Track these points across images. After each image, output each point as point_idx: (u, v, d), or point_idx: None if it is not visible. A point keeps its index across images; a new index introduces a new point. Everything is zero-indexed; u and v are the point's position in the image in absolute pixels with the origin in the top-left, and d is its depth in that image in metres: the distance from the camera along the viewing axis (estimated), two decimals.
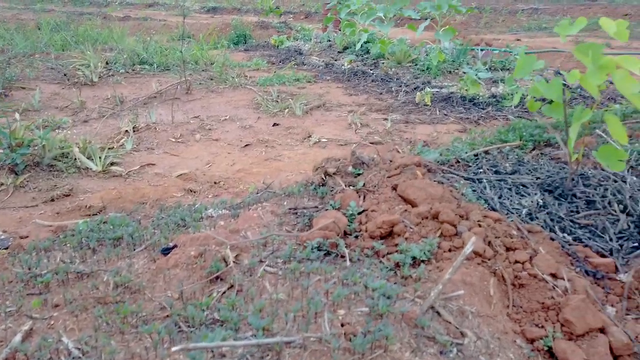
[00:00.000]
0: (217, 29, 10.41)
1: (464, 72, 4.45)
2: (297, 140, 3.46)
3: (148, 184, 2.76)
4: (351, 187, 1.90)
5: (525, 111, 4.25)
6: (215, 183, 2.75)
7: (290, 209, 1.78)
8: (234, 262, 1.45)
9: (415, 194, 1.72)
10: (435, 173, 2.11)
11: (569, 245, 1.63)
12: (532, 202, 1.88)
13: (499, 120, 4.00)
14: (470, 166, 2.44)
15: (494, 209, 1.86)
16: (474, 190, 2.07)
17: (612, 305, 1.46)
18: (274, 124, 3.77)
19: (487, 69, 5.19)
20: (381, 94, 4.90)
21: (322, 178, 2.00)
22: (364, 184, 1.88)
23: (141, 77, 5.56)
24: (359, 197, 1.84)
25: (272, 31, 10.70)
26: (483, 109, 4.27)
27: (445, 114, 4.14)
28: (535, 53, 7.47)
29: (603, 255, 1.62)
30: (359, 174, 1.99)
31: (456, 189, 1.90)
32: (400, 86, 5.01)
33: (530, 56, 2.11)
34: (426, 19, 6.48)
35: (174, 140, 3.51)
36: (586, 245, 1.64)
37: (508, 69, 5.25)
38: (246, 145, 3.38)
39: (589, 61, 1.73)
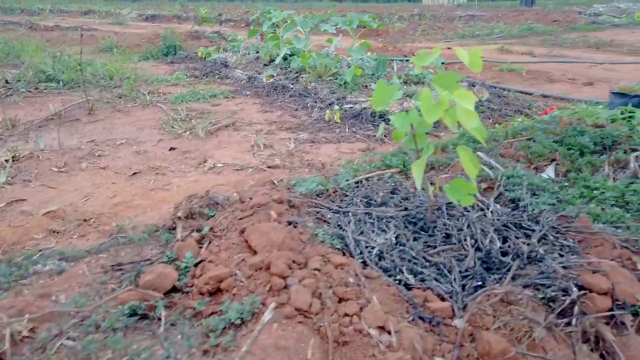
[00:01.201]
0: (145, 40, 10.02)
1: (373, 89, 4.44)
2: (191, 166, 3.29)
3: (8, 224, 2.51)
4: (198, 232, 1.77)
5: (434, 126, 4.29)
6: (84, 221, 2.53)
7: (114, 264, 1.62)
8: (26, 337, 1.28)
9: (257, 241, 1.61)
10: (299, 209, 2.02)
11: (408, 289, 1.57)
12: (386, 239, 1.82)
13: None
14: (347, 195, 2.37)
15: (348, 249, 1.79)
16: (339, 226, 1.99)
17: (442, 356, 1.41)
18: (171, 148, 3.58)
19: (401, 82, 5.22)
20: (296, 110, 4.82)
21: (174, 221, 1.86)
22: (212, 228, 1.76)
23: (44, 97, 5.20)
24: (205, 243, 1.72)
25: (204, 41, 10.45)
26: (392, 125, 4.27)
27: (354, 132, 4.10)
28: (454, 63, 7.66)
29: (444, 299, 1.57)
30: (211, 216, 1.87)
31: (310, 228, 1.81)
32: (315, 102, 4.95)
33: (390, 86, 2.06)
34: (339, 35, 6.47)
35: (56, 170, 3.25)
36: (428, 288, 1.59)
37: (423, 82, 5.31)
38: (135, 173, 3.18)
39: (426, 100, 1.69)
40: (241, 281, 1.47)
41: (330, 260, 1.58)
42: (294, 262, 1.53)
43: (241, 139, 3.88)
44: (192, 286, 1.53)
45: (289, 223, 1.80)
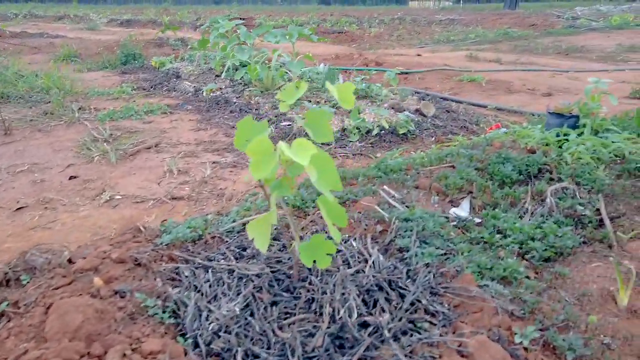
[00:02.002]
0: (105, 48, 9.70)
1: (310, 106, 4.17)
2: (87, 198, 3.01)
3: None
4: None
5: (372, 145, 4.05)
6: None
7: None
8: None
9: (51, 324, 1.33)
10: (148, 268, 1.75)
11: None
12: (228, 310, 1.55)
13: (337, 159, 3.75)
14: (227, 241, 2.11)
15: (182, 326, 1.52)
16: (194, 287, 1.72)
17: None
18: (71, 177, 3.29)
19: None
20: (232, 127, 4.55)
21: None
22: (16, 302, 1.48)
23: None
24: (1, 324, 1.44)
25: (167, 49, 10.15)
26: (329, 144, 4.02)
27: None
28: (415, 73, 7.44)
29: None
30: (26, 283, 1.59)
31: (139, 298, 1.54)
32: (255, 118, 4.67)
33: (255, 124, 1.80)
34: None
35: None
36: None
37: (371, 97, 5.07)
38: (20, 207, 2.88)
39: (256, 150, 1.43)
40: None
41: (140, 348, 1.32)
42: (87, 354, 1.25)
43: (158, 164, 3.60)
44: None
45: (116, 293, 1.53)
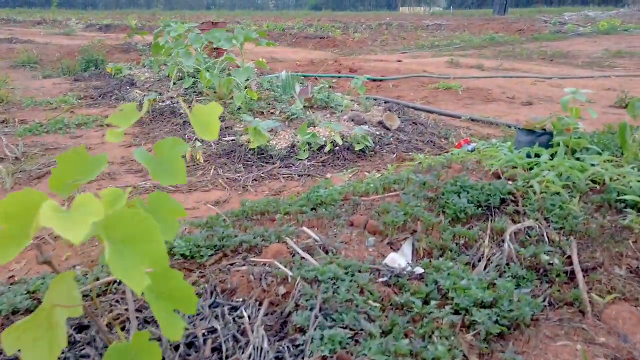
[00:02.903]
0: (66, 53, 9.16)
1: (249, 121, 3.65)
2: None
3: None
4: None
5: (322, 164, 3.55)
6: None
7: None
8: None
9: None
10: None
11: None
12: None
13: (280, 181, 3.25)
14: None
15: None
16: None
17: None
18: None
19: (304, 106, 4.48)
20: None
21: None
22: None
23: None
24: None
25: (135, 54, 9.63)
26: (273, 163, 3.51)
27: (218, 174, 3.33)
28: (388, 80, 6.97)
29: None
30: None
31: None
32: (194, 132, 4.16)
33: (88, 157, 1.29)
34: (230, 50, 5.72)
35: None
36: None
37: (331, 107, 4.57)
38: None
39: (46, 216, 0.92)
40: None
41: None
42: None
43: None
44: None
45: None
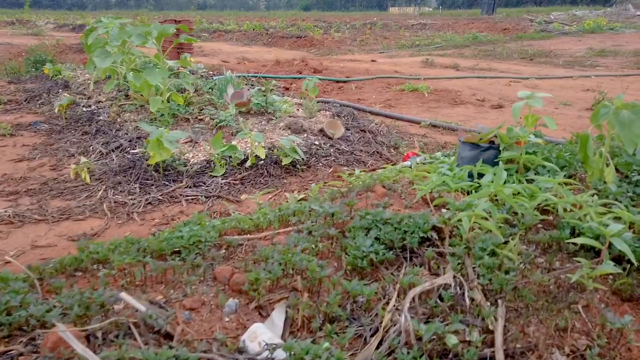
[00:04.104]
0: (16, 53, 8.53)
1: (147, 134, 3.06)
2: None
3: None
4: None
5: (241, 182, 2.98)
6: None
7: None
8: None
9: None
10: None
11: None
12: None
13: (181, 205, 2.67)
14: None
15: None
16: None
17: None
18: None
19: (240, 112, 3.91)
20: (71, 156, 3.44)
21: None
22: None
23: None
24: None
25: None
26: (181, 181, 2.94)
27: (107, 197, 2.75)
28: (353, 81, 6.41)
29: None
30: None
31: None
32: (107, 143, 3.58)
33: None
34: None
35: None
36: None
37: (269, 113, 4.00)
38: None
39: None
40: None
41: None
42: None
43: None
44: None
45: None
